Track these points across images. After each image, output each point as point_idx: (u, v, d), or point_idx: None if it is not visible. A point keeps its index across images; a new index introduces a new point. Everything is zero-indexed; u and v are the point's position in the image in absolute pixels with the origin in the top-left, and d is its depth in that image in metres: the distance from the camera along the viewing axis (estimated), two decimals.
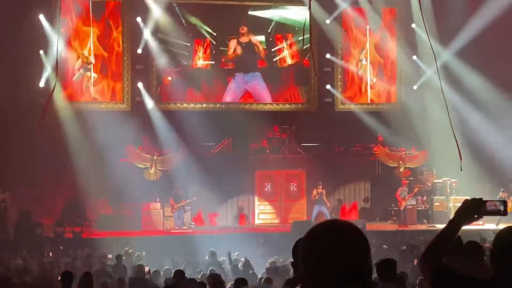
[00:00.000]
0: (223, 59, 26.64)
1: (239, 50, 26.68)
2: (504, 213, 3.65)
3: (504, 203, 3.67)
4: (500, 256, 3.55)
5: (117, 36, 25.61)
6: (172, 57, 25.86)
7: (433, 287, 3.68)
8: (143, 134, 24.51)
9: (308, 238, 2.35)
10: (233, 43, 26.68)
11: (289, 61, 27.09)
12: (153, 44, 25.44)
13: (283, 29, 27.04)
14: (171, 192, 23.57)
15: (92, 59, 25.19)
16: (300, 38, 26.51)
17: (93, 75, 25.30)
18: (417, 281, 9.21)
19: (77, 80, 25.20)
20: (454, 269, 3.64)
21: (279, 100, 26.99)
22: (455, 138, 18.10)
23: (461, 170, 18.92)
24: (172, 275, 11.17)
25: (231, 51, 26.62)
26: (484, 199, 3.66)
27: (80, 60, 25.18)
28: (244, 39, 26.76)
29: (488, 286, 3.55)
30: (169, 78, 25.86)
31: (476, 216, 3.64)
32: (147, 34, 25.31)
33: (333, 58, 26.91)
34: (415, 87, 26.74)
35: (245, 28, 26.61)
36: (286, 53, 27.07)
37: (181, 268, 12.23)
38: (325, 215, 23.52)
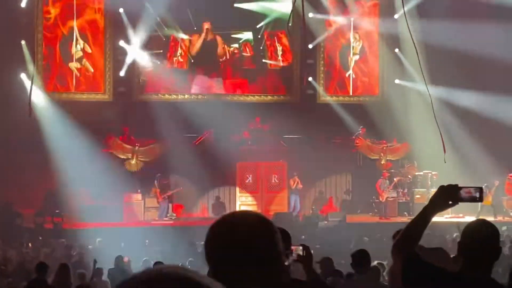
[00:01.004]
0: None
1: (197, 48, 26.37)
2: (480, 199, 3.64)
3: (480, 189, 3.65)
4: (467, 249, 3.58)
5: (100, 26, 25.49)
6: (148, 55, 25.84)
7: (403, 276, 3.68)
8: (125, 125, 24.43)
9: (211, 226, 2.31)
10: (196, 39, 26.34)
11: (281, 63, 26.98)
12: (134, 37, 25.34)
13: (274, 26, 26.73)
14: (152, 183, 23.52)
15: (79, 48, 25.07)
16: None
17: (76, 65, 25.19)
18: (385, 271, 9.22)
19: (64, 70, 25.09)
20: (425, 259, 3.63)
21: (262, 91, 26.94)
22: (439, 131, 18.16)
23: (445, 162, 19.03)
24: (150, 266, 11.13)
25: (195, 48, 26.32)
26: (459, 185, 3.64)
27: (77, 50, 25.06)
28: (206, 36, 26.39)
29: (456, 278, 3.57)
30: (141, 80, 25.83)
31: (451, 202, 3.62)
32: (128, 26, 25.22)
33: (317, 41, 26.74)
34: (397, 81, 26.76)
35: (208, 23, 26.17)
36: (279, 53, 26.88)
37: (159, 259, 12.21)
38: (296, 205, 23.81)
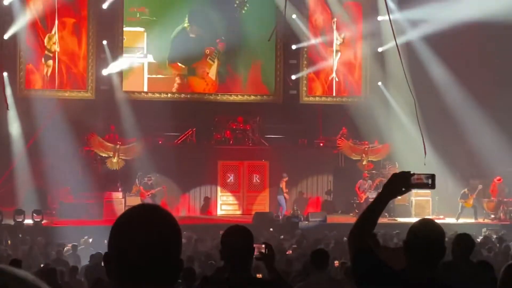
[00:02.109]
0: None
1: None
2: (432, 186, 3.71)
3: (432, 176, 3.70)
4: (411, 247, 3.64)
5: (83, 23, 25.37)
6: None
7: (352, 266, 3.76)
8: (107, 123, 24.34)
9: (115, 222, 2.26)
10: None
11: None
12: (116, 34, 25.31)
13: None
14: (133, 181, 23.44)
15: (56, 47, 24.91)
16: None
17: (57, 64, 25.05)
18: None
19: (43, 68, 24.91)
20: (376, 254, 3.68)
21: (246, 91, 26.90)
22: (421, 133, 18.19)
23: (425, 164, 19.04)
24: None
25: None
26: (411, 171, 3.69)
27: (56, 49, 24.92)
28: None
29: (400, 275, 3.63)
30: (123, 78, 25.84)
31: (403, 189, 3.67)
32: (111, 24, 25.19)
33: (300, 45, 26.71)
34: (379, 83, 26.78)
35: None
36: None
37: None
38: (282, 205, 23.79)
